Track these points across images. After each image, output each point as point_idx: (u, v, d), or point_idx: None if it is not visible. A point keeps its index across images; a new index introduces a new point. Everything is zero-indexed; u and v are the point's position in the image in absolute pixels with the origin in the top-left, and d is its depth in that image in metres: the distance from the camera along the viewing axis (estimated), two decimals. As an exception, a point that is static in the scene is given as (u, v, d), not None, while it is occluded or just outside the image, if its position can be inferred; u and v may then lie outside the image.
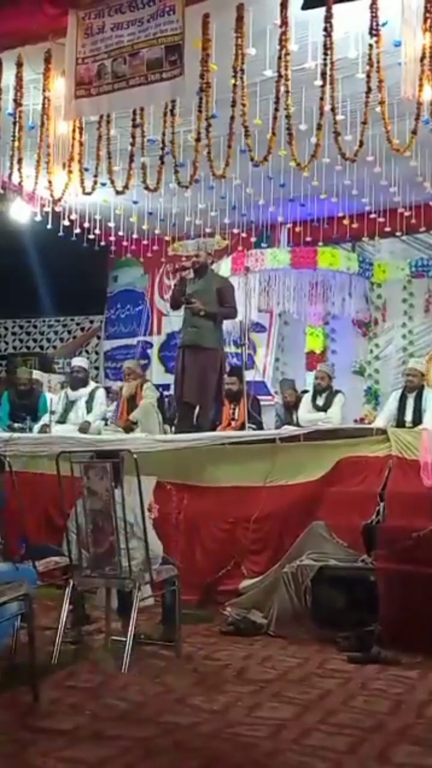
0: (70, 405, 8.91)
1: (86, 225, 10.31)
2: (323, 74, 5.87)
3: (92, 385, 9.27)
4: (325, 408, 8.52)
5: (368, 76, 5.85)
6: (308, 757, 3.37)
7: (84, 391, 8.96)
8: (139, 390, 8.54)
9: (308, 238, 10.77)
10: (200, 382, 7.53)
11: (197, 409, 7.64)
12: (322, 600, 5.43)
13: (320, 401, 8.60)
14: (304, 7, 5.91)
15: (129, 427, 8.30)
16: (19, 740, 3.51)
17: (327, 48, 5.81)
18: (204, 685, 4.34)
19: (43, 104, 7.04)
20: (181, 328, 8.14)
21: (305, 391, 9.25)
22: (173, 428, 8.20)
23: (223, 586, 6.24)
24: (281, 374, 11.24)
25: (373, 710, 3.96)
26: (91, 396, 8.90)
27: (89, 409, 8.80)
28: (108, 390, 10.22)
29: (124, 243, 11.23)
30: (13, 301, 12.37)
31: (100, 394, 9.05)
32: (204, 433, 7.26)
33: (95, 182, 7.37)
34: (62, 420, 8.75)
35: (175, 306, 8.17)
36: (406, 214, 9.95)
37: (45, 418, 8.62)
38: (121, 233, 10.71)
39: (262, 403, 9.27)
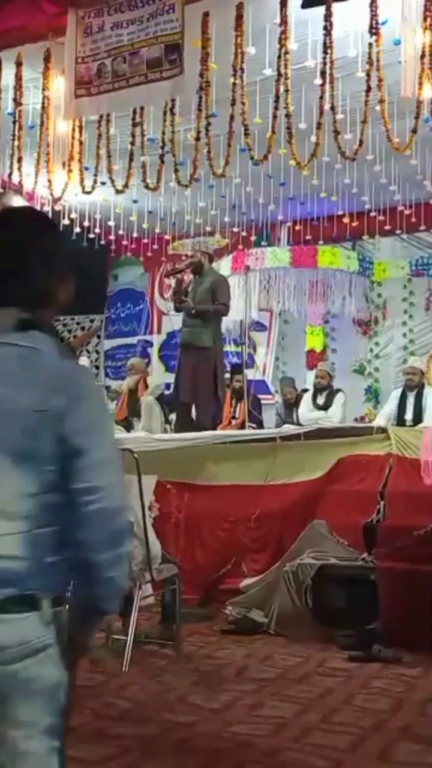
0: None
1: (86, 224, 10.29)
2: (323, 73, 5.86)
3: None
4: (325, 407, 8.51)
5: (368, 75, 5.84)
6: (309, 755, 3.37)
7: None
8: (142, 384, 8.58)
9: (308, 237, 10.75)
10: (193, 381, 7.55)
11: (194, 408, 7.65)
12: (323, 599, 5.43)
13: (321, 400, 8.59)
14: (304, 5, 5.90)
15: (129, 421, 8.33)
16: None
17: (327, 47, 5.81)
18: (204, 684, 4.35)
19: (43, 103, 7.04)
20: (181, 327, 8.18)
21: (305, 390, 9.24)
22: (173, 427, 8.22)
23: (224, 585, 6.24)
24: (281, 373, 11.23)
25: (374, 708, 3.96)
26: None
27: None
28: (107, 389, 10.21)
29: (124, 242, 11.22)
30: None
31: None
32: (204, 431, 7.27)
33: (95, 181, 7.38)
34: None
35: (176, 308, 8.22)
36: (407, 212, 9.94)
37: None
38: (121, 232, 10.70)
39: (262, 401, 9.28)
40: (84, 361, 9.88)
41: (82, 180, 7.28)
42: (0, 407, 1.62)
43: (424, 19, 5.60)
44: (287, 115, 6.08)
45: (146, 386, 8.58)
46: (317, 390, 8.71)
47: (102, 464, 1.65)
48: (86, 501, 1.62)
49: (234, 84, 6.13)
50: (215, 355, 7.75)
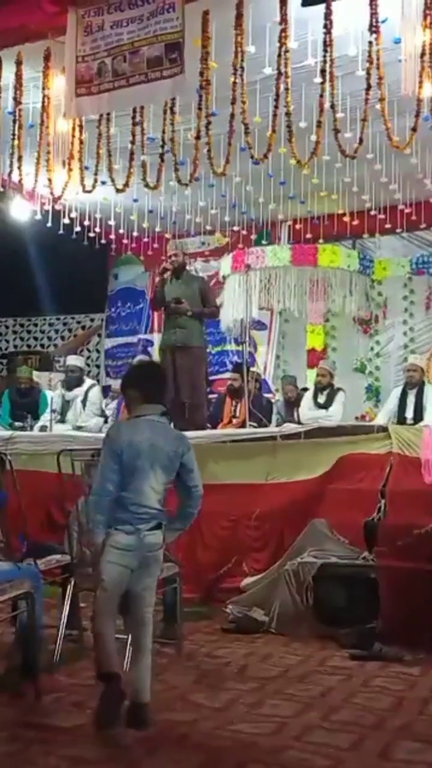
0: (66, 404, 8.90)
1: (86, 223, 10.29)
2: (323, 71, 5.86)
3: (88, 383, 9.21)
4: (326, 406, 8.48)
5: (368, 73, 5.84)
6: (310, 754, 3.37)
7: (79, 391, 8.94)
8: None
9: (308, 236, 10.75)
10: (192, 380, 7.58)
11: (188, 407, 7.65)
12: (324, 597, 5.43)
13: (322, 399, 8.57)
14: (304, 4, 5.90)
15: None
16: (21, 738, 3.52)
17: (327, 45, 5.80)
18: (205, 683, 4.35)
19: (43, 102, 7.04)
20: (164, 328, 8.13)
21: (305, 389, 9.23)
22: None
23: (225, 584, 6.24)
24: (282, 372, 11.22)
25: (375, 707, 3.97)
26: (86, 395, 8.89)
27: (86, 408, 8.79)
28: (108, 388, 10.18)
29: (125, 241, 11.22)
30: (13, 299, 12.36)
31: (94, 392, 9.02)
32: (204, 430, 7.26)
33: (95, 180, 7.36)
34: (62, 420, 8.74)
35: (157, 306, 8.22)
36: (407, 211, 9.94)
37: (45, 418, 8.59)
38: (121, 231, 10.71)
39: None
40: (83, 360, 9.86)
41: (82, 179, 7.27)
42: (158, 449, 3.82)
43: (424, 17, 5.60)
44: (287, 114, 6.08)
45: None
46: (318, 389, 8.69)
47: (197, 475, 3.97)
48: (192, 489, 3.95)
49: (234, 83, 6.13)
50: (206, 355, 7.98)
